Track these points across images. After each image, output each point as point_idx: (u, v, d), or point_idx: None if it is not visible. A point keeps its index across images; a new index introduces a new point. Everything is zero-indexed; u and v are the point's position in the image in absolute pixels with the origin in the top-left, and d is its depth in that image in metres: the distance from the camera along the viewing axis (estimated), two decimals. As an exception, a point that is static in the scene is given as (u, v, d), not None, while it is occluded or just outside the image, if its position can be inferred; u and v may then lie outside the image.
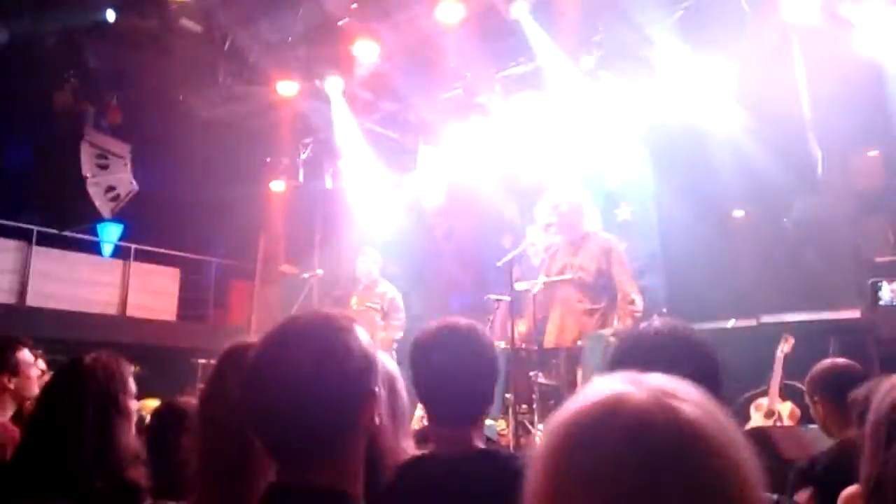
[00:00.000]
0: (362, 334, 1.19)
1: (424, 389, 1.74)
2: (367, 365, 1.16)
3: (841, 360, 3.08)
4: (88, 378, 1.99)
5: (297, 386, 1.09)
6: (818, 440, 3.24)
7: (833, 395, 2.83)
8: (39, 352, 3.29)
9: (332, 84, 7.70)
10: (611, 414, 0.66)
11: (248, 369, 1.14)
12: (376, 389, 1.16)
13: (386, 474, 1.59)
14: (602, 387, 0.70)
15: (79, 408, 1.93)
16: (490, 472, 1.59)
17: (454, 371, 1.69)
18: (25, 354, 2.97)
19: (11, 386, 2.88)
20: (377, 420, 1.17)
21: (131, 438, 2.00)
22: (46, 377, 3.21)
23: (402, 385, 1.79)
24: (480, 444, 1.72)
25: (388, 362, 1.73)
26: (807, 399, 3.09)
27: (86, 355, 2.06)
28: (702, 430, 0.65)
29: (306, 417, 1.09)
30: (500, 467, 1.59)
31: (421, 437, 2.01)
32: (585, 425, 0.67)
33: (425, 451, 1.78)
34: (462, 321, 1.80)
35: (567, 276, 5.45)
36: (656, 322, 1.51)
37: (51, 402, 2.02)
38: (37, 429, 1.99)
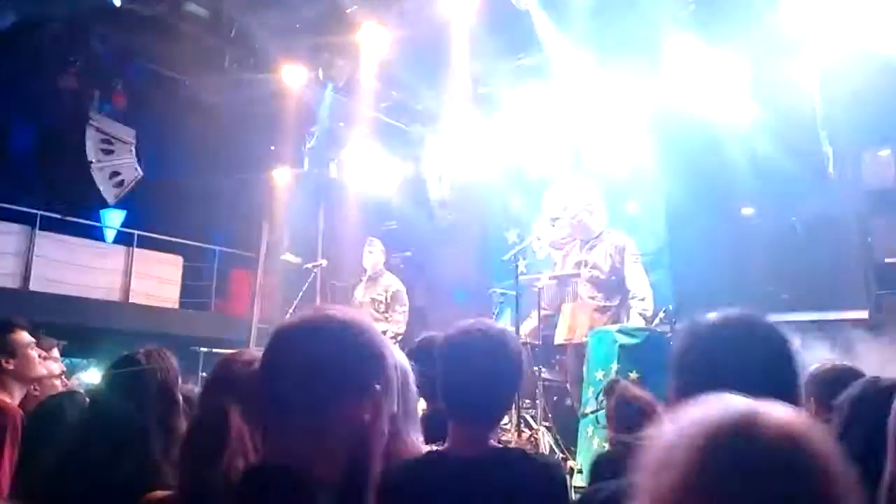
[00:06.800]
0: (377, 330, 1.23)
1: (450, 387, 1.75)
2: (373, 360, 1.18)
3: (840, 364, 3.00)
4: (148, 374, 2.00)
5: (314, 375, 1.13)
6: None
7: (825, 399, 2.76)
8: (54, 340, 3.28)
9: (339, 73, 7.63)
10: (747, 436, 0.72)
11: (270, 351, 1.18)
12: (377, 385, 1.17)
13: (393, 464, 1.58)
14: (722, 408, 0.75)
15: (142, 404, 1.94)
16: (506, 473, 1.61)
17: (484, 373, 1.70)
18: (22, 336, 2.95)
19: (11, 367, 2.87)
20: (384, 413, 1.18)
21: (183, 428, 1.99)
22: (59, 364, 3.21)
23: (412, 379, 1.78)
24: (493, 443, 1.75)
25: (399, 356, 1.72)
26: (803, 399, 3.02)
27: (139, 351, 2.06)
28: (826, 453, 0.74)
29: (318, 407, 1.12)
30: (517, 467, 1.61)
31: (425, 425, 1.99)
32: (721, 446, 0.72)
33: (439, 447, 1.78)
34: (495, 325, 1.84)
35: (581, 272, 5.49)
36: (727, 314, 1.39)
37: (112, 399, 2.01)
38: (98, 427, 1.98)
